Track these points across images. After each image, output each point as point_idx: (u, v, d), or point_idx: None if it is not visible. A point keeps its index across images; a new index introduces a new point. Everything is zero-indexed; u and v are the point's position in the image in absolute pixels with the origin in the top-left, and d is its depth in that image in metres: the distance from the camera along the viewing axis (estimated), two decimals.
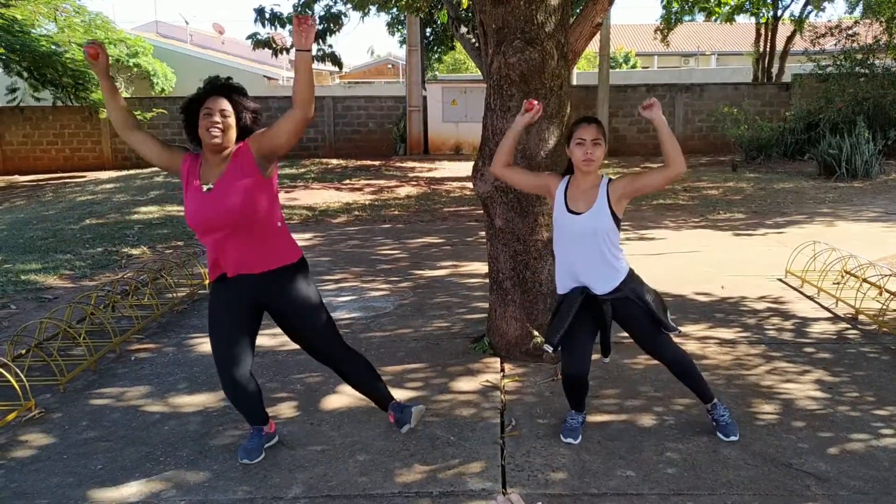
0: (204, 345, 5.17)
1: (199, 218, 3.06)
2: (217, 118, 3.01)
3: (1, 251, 8.58)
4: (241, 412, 3.47)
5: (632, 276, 3.43)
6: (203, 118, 3.02)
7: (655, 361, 4.60)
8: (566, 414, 3.71)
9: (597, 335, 3.51)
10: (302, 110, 2.96)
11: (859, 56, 16.56)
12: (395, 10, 14.82)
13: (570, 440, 3.55)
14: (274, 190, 3.20)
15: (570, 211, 3.37)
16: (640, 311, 3.41)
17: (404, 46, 20.72)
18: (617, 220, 3.36)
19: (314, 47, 11.58)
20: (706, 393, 3.60)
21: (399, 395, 4.17)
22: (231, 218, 3.04)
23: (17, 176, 19.86)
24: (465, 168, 14.80)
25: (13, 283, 6.97)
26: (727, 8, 18.04)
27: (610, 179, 3.41)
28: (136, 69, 24.10)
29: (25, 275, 7.28)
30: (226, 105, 3.04)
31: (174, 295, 6.26)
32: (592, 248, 3.34)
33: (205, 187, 3.04)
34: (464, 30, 10.89)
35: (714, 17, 18.70)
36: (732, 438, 3.52)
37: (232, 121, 3.05)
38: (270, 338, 5.09)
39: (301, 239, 8.76)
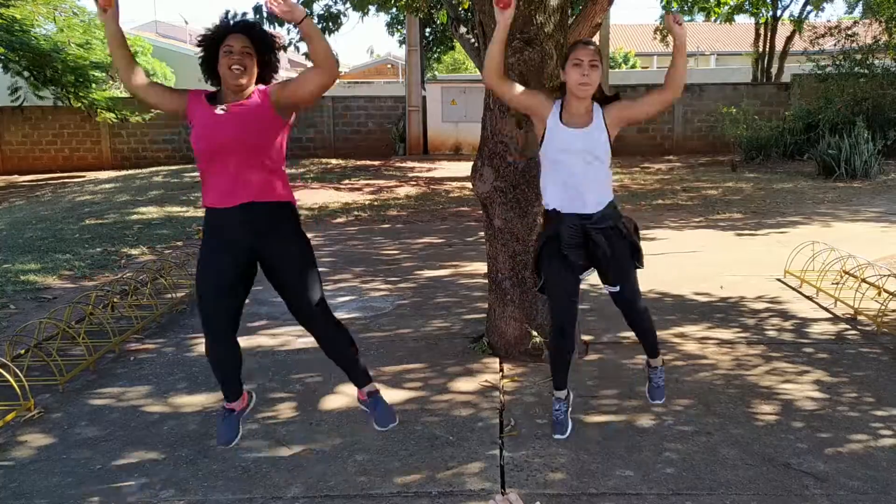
0: (203, 345, 5.16)
1: (212, 138, 3.02)
2: (238, 56, 2.98)
3: (0, 251, 8.58)
4: (220, 378, 3.40)
5: (615, 204, 3.43)
6: (224, 56, 2.98)
7: None
8: (552, 404, 3.69)
9: (583, 275, 3.48)
10: (327, 72, 3.01)
11: (858, 56, 16.58)
12: (394, 10, 14.80)
13: (558, 435, 3.54)
14: (286, 134, 3.21)
15: (565, 125, 3.32)
16: (624, 243, 3.41)
17: (404, 46, 20.73)
18: (610, 142, 3.34)
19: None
20: (656, 348, 3.73)
21: (398, 395, 4.18)
22: (245, 137, 3.02)
23: (16, 176, 19.86)
24: (464, 168, 14.81)
25: (12, 283, 6.96)
26: (726, 8, 18.03)
27: (603, 103, 3.37)
28: None
29: (25, 275, 7.28)
30: (247, 42, 3.00)
31: (173, 295, 6.25)
32: (587, 165, 3.30)
33: (218, 110, 3.02)
34: (463, 30, 10.88)
35: (713, 18, 18.69)
36: (658, 401, 3.77)
37: (253, 59, 3.02)
38: (270, 337, 5.09)
39: None
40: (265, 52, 3.08)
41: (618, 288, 3.47)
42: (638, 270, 3.52)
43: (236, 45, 2.98)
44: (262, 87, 3.15)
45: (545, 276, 3.47)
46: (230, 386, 3.42)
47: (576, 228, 3.34)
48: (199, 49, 3.10)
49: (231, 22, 3.06)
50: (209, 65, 3.08)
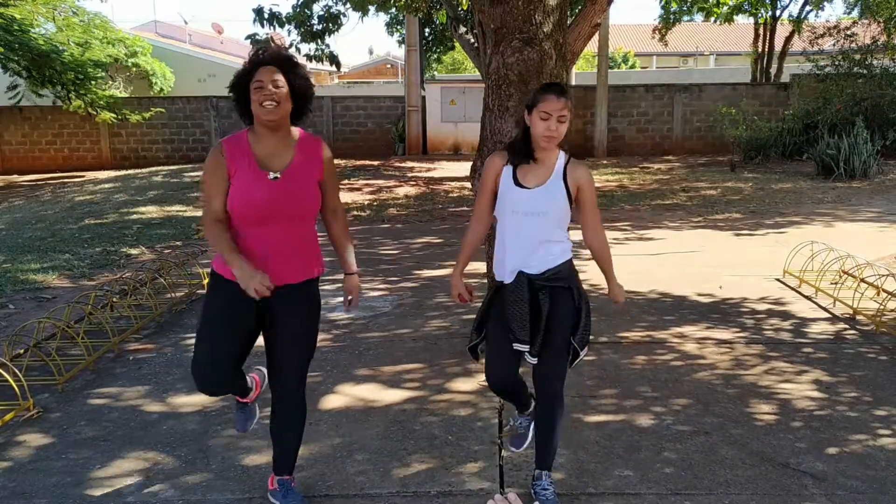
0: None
1: (261, 205, 2.79)
2: (270, 89, 2.75)
3: (0, 251, 8.57)
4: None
5: (572, 266, 3.03)
6: (255, 92, 2.76)
7: (654, 361, 4.63)
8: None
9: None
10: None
11: (857, 56, 16.60)
12: (393, 10, 14.81)
13: (512, 449, 3.33)
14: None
15: (518, 184, 2.94)
16: (570, 307, 2.96)
17: (403, 46, 20.73)
18: (570, 203, 2.96)
19: (313, 47, 11.63)
20: (549, 457, 3.09)
21: (397, 394, 4.19)
22: (298, 207, 2.86)
23: (16, 176, 19.86)
24: (463, 168, 14.79)
25: (12, 283, 6.96)
26: (726, 8, 18.05)
27: (570, 158, 3.00)
28: (134, 69, 24.10)
29: (24, 274, 7.28)
30: (278, 75, 2.76)
31: (173, 295, 6.25)
32: (535, 227, 2.93)
33: (270, 175, 2.81)
34: (462, 30, 10.90)
35: (713, 18, 18.72)
36: None
37: (286, 91, 2.78)
38: None
39: None
40: (298, 82, 2.84)
41: (536, 360, 2.95)
42: (572, 360, 3.01)
43: (266, 78, 2.75)
44: (315, 139, 3.01)
45: (487, 337, 3.07)
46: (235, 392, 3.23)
47: (523, 288, 2.94)
48: (230, 91, 2.88)
49: (259, 55, 2.82)
50: (242, 105, 2.86)
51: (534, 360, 2.96)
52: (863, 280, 5.88)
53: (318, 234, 3.06)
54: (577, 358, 3.00)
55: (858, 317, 5.43)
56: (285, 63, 2.82)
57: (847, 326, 5.28)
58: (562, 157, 2.99)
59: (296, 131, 2.95)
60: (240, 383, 3.11)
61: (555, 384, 2.98)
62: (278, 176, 2.82)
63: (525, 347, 2.92)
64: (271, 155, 2.85)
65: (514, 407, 3.31)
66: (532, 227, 2.93)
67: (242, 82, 2.81)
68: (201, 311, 2.99)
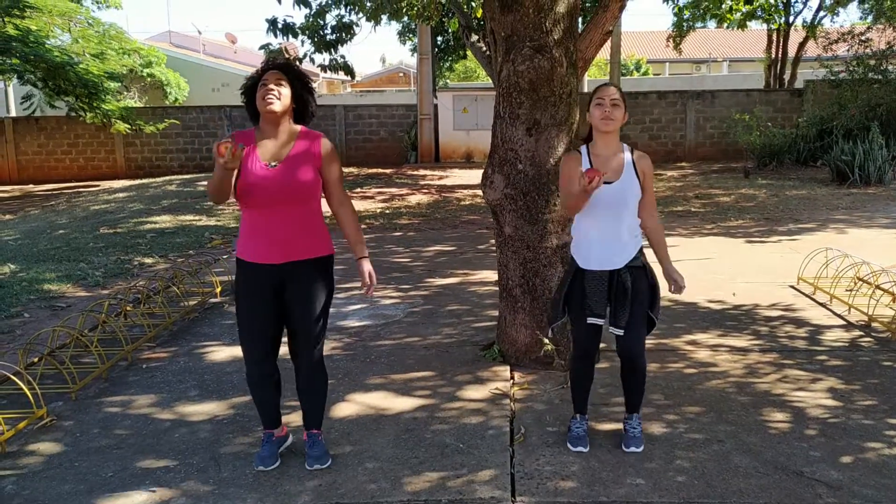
0: (215, 353, 5.19)
1: (261, 191, 3.17)
2: (272, 86, 3.17)
3: (16, 260, 8.65)
4: (259, 408, 3.50)
5: (641, 247, 3.43)
6: (259, 89, 3.20)
7: (666, 369, 4.60)
8: (570, 422, 3.68)
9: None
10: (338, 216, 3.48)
11: (872, 62, 16.48)
12: (406, 18, 14.86)
13: (580, 448, 3.53)
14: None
15: None
16: (646, 284, 3.39)
17: (415, 55, 20.81)
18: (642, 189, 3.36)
19: (326, 56, 11.67)
20: (638, 405, 3.59)
21: (408, 402, 4.19)
22: (295, 192, 3.21)
23: (31, 185, 20.05)
24: (475, 176, 14.79)
25: (27, 292, 7.02)
26: (739, 15, 18.00)
27: (633, 150, 3.38)
28: (149, 79, 24.32)
29: (39, 283, 7.34)
30: (281, 76, 3.21)
31: (186, 303, 6.28)
32: (619, 217, 3.31)
33: (271, 164, 3.20)
34: (474, 38, 10.92)
35: (726, 24, 18.67)
36: (633, 449, 3.50)
37: (287, 90, 3.21)
38: (280, 346, 5.10)
39: None
40: (300, 87, 3.27)
41: (622, 332, 3.39)
42: (649, 329, 3.51)
43: (271, 78, 3.19)
44: (315, 133, 3.34)
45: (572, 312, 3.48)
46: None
47: (605, 275, 3.35)
48: (242, 95, 3.31)
49: (269, 63, 3.28)
50: (251, 106, 3.28)
51: (620, 332, 3.38)
52: (878, 287, 5.82)
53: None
54: (654, 327, 3.50)
55: (874, 324, 5.38)
56: (289, 69, 3.27)
57: (862, 334, 5.24)
58: (626, 149, 3.38)
59: (297, 128, 3.33)
60: (275, 377, 3.44)
61: (640, 350, 3.44)
62: (276, 164, 3.21)
63: (601, 321, 3.37)
64: (273, 147, 3.25)
65: (577, 404, 3.66)
66: (614, 218, 3.31)
67: (253, 86, 3.25)
68: (234, 292, 3.43)
